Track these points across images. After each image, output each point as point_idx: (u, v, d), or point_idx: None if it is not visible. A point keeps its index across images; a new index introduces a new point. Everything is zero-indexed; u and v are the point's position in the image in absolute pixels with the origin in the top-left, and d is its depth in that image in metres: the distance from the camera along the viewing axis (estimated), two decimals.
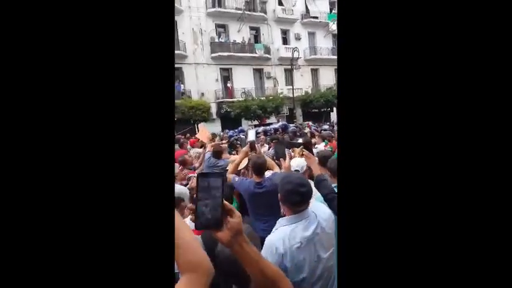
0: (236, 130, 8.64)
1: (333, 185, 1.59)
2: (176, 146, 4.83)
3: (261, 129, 7.84)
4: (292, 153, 2.22)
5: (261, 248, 1.20)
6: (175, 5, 14.00)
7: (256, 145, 2.97)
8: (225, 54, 15.71)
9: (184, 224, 0.66)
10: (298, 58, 15.67)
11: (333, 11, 18.30)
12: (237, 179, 2.31)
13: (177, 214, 0.63)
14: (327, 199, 1.50)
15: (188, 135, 8.42)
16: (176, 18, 14.38)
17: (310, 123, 10.06)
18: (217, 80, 16.09)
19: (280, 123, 9.25)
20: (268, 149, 4.35)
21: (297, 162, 2.20)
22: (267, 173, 2.34)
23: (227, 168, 2.79)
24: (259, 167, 2.24)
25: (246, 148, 2.75)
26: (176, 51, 14.18)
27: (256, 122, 14.22)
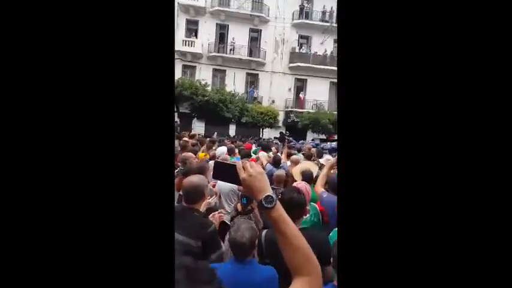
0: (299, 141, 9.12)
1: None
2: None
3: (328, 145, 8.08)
4: None
5: None
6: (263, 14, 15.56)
7: None
8: (303, 65, 15.98)
9: (298, 231, 0.69)
10: None
11: None
12: (325, 195, 2.32)
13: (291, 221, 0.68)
14: None
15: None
16: (261, 27, 16.12)
17: None
18: (289, 89, 16.66)
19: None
20: None
21: None
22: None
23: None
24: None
25: (333, 160, 2.67)
26: (256, 59, 15.86)
27: (323, 136, 13.75)
